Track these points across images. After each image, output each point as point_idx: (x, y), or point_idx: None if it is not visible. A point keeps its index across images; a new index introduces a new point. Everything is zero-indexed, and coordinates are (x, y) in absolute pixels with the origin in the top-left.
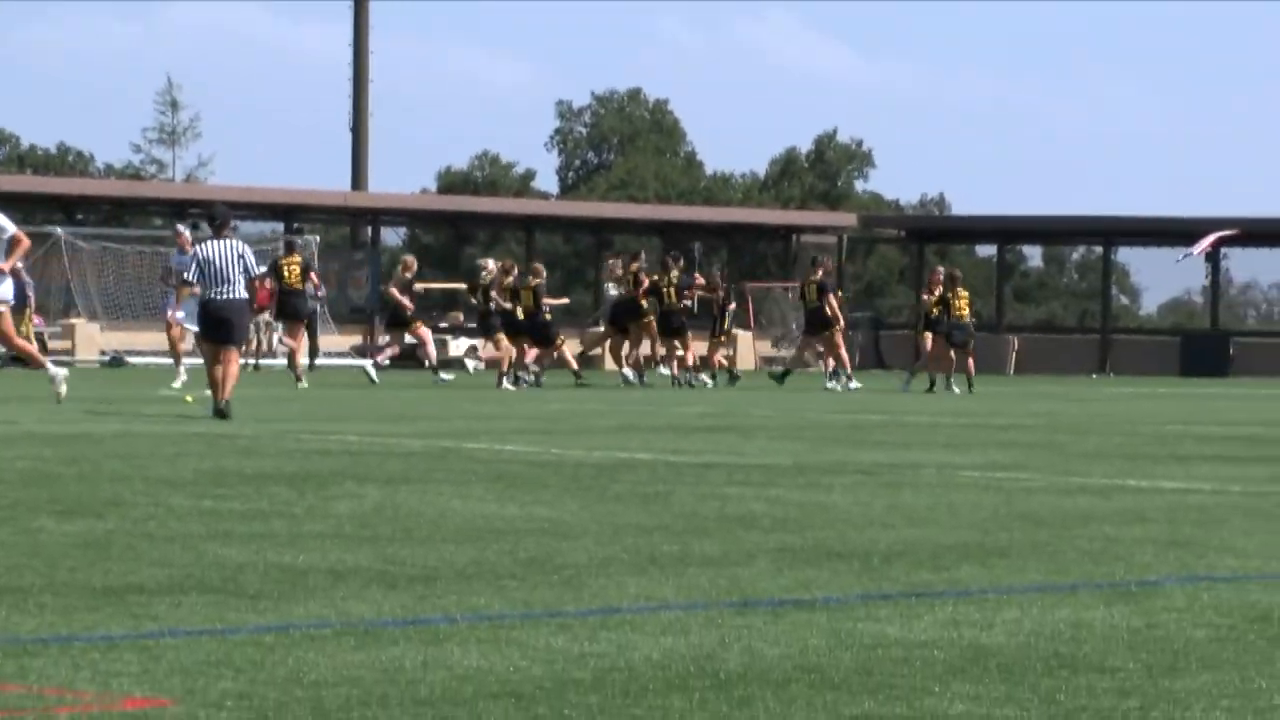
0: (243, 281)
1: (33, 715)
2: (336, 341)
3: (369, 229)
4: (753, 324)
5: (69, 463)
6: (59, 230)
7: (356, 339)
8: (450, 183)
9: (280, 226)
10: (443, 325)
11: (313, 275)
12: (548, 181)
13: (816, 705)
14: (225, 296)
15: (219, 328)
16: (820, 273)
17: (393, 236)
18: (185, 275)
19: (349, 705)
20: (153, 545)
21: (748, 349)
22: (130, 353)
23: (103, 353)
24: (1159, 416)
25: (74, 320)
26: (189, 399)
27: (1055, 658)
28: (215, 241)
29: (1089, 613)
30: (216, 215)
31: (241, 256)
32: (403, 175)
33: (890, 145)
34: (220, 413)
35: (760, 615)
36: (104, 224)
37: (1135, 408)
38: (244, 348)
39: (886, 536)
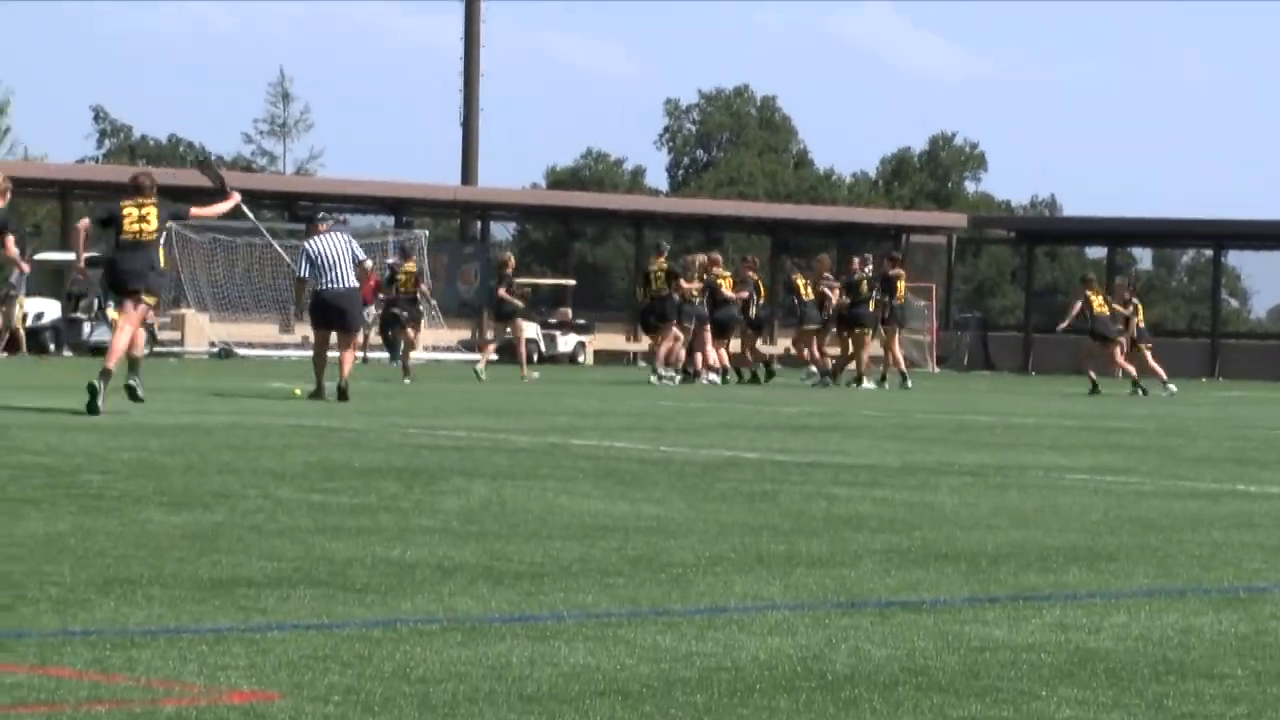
0: (353, 270)
1: (140, 707)
2: (444, 336)
3: (478, 223)
4: None
5: (177, 454)
6: (170, 222)
7: (464, 333)
8: (559, 179)
9: (390, 219)
10: (551, 321)
11: (424, 286)
12: (656, 178)
13: (923, 707)
14: (338, 286)
15: (334, 315)
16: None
17: (502, 231)
18: (298, 273)
19: (455, 701)
20: (261, 538)
21: None
22: (239, 344)
23: (212, 344)
24: (1269, 421)
25: (184, 311)
26: (297, 391)
27: (1163, 663)
28: (322, 236)
29: (1198, 618)
30: (317, 216)
31: (349, 246)
32: (512, 170)
33: (1002, 146)
34: (342, 392)
35: (867, 616)
36: None
37: (1245, 412)
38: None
39: (994, 538)
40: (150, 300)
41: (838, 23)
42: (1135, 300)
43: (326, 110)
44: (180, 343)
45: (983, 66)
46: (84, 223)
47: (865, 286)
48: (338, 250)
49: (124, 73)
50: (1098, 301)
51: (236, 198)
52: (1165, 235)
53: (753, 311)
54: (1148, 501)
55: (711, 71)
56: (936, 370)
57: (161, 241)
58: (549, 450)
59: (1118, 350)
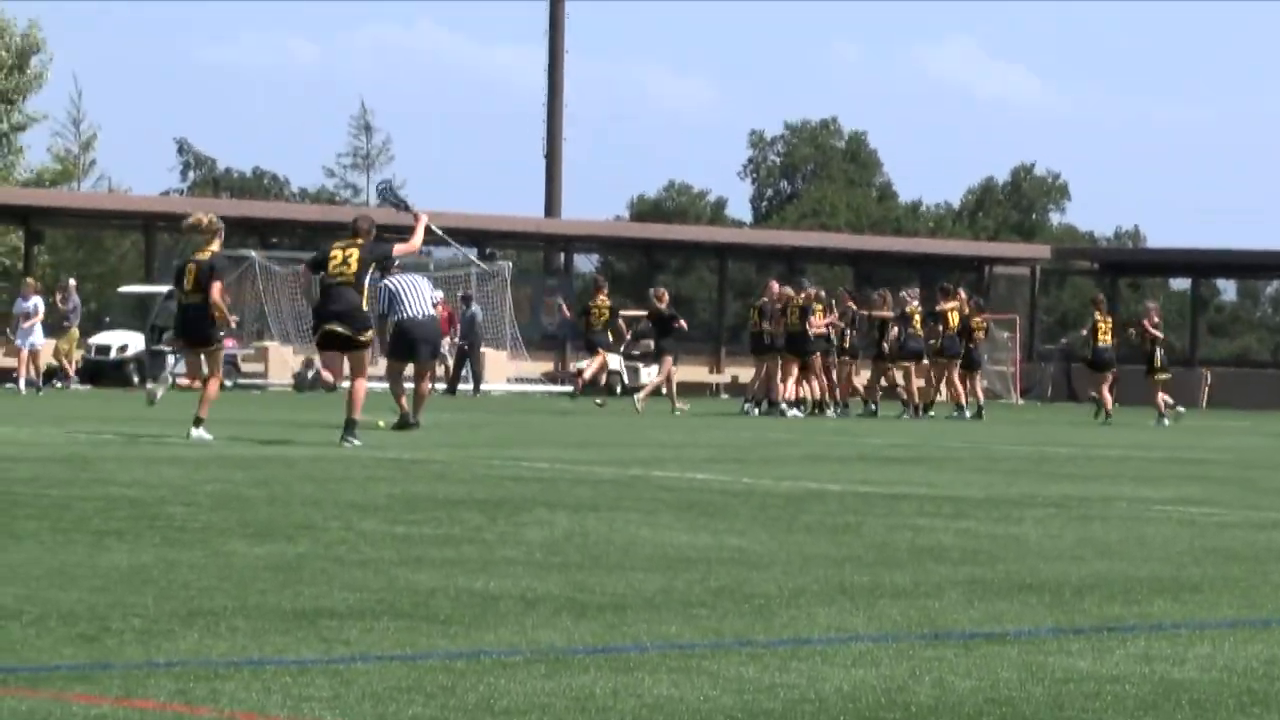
0: (430, 302)
1: None
2: (528, 368)
3: (562, 255)
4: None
5: (260, 485)
6: (253, 254)
7: (548, 365)
8: (642, 210)
9: (473, 252)
10: (635, 353)
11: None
12: (739, 209)
13: None
14: (418, 316)
15: (413, 347)
16: (802, 296)
17: (585, 263)
18: (380, 309)
19: None
20: (344, 569)
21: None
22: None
23: (295, 375)
24: None
25: (267, 343)
26: (381, 424)
27: (1248, 694)
28: (397, 274)
29: None
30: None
31: (426, 281)
32: (595, 202)
33: (1085, 177)
34: (404, 423)
35: (951, 648)
36: (298, 248)
37: None
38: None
39: (1077, 570)
40: (364, 339)
41: (919, 54)
42: (1154, 329)
43: (409, 143)
44: (264, 374)
45: (1065, 97)
46: (303, 268)
47: (918, 319)
48: (417, 282)
49: (208, 105)
50: (1103, 327)
51: (424, 218)
52: (1249, 266)
53: (848, 341)
54: (1231, 532)
55: (795, 103)
56: (1020, 402)
57: (364, 283)
58: (631, 482)
59: (1107, 379)
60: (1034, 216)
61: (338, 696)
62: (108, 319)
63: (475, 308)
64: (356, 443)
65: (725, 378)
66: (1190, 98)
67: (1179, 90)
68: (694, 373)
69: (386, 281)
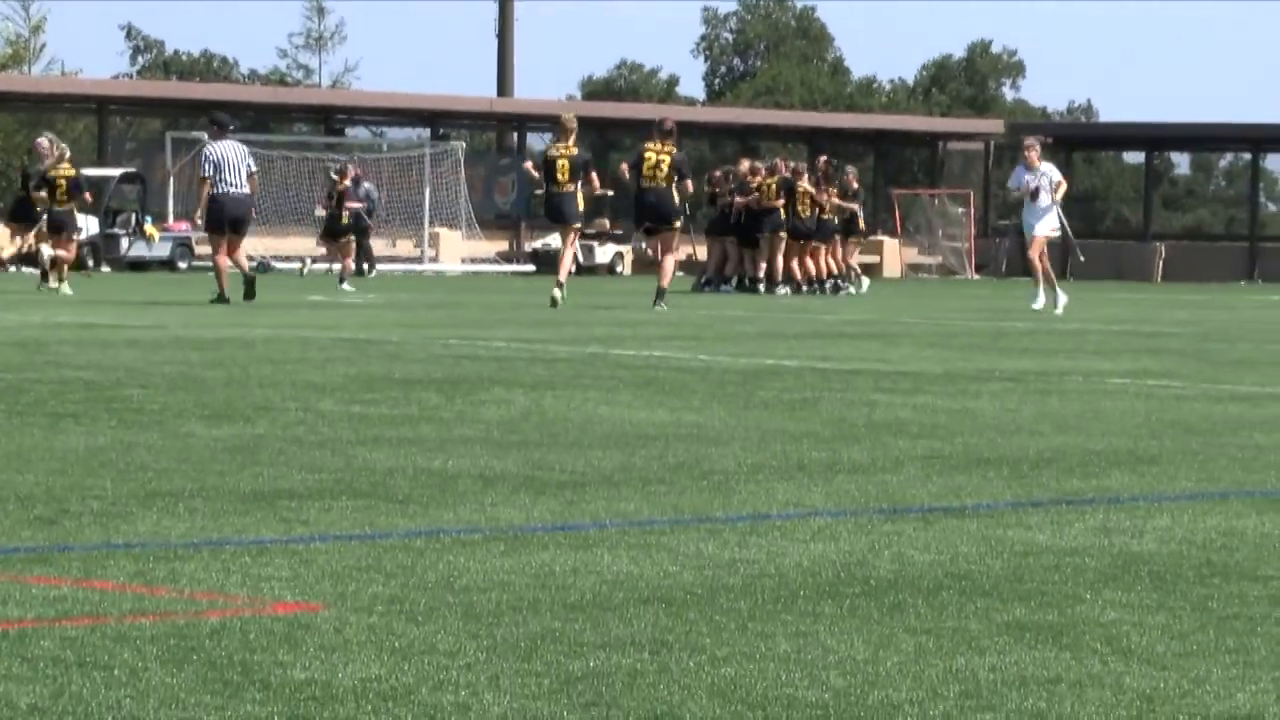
0: (245, 175)
1: (183, 619)
2: (482, 248)
3: (515, 135)
4: (899, 231)
5: (217, 367)
6: (205, 136)
7: (502, 245)
8: (594, 90)
9: (426, 133)
10: (589, 232)
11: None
12: (693, 88)
13: (967, 612)
14: (231, 190)
15: (222, 221)
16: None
17: (539, 143)
18: (202, 174)
19: (500, 610)
20: (302, 450)
21: (894, 256)
22: (276, 258)
23: (250, 258)
24: None
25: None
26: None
27: (1207, 565)
28: (222, 142)
29: (1241, 521)
30: (220, 120)
31: (246, 156)
32: (547, 82)
33: (1039, 52)
34: (249, 286)
35: (910, 522)
36: (250, 130)
37: None
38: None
39: (1036, 443)
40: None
41: None
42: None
43: (361, 24)
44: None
45: None
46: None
47: (772, 192)
48: (234, 154)
49: None
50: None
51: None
52: (1202, 139)
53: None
54: (1189, 405)
55: None
56: (975, 277)
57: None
58: (588, 360)
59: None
60: (988, 92)
61: (297, 576)
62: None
63: (367, 185)
64: (665, 307)
65: (680, 255)
66: None
67: None
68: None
69: (208, 149)
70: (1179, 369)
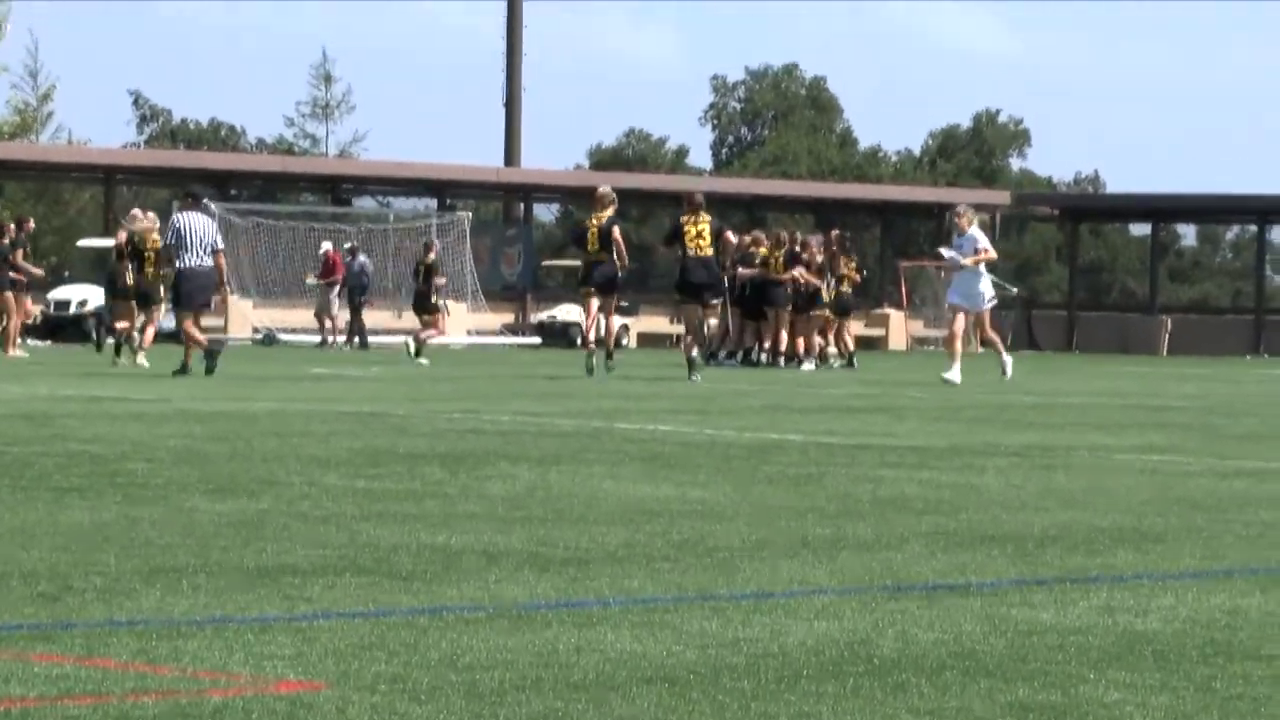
0: (209, 250)
1: (186, 698)
2: (488, 320)
3: (521, 205)
4: (906, 303)
5: (221, 441)
6: (212, 206)
7: (508, 317)
8: (602, 159)
9: (433, 202)
10: None
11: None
12: (701, 157)
13: (971, 692)
14: (194, 264)
15: (182, 295)
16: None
17: (545, 213)
18: (165, 240)
19: (503, 689)
20: (306, 525)
21: (900, 328)
22: (283, 330)
23: (255, 330)
24: None
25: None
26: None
27: (1211, 645)
28: (188, 213)
29: (1245, 599)
30: (194, 192)
31: (213, 225)
32: (555, 151)
33: (1046, 123)
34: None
35: (914, 600)
36: (257, 199)
37: None
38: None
39: (1040, 520)
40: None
41: (884, 2)
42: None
43: (369, 92)
44: (224, 329)
45: (1027, 43)
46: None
47: (779, 265)
48: (200, 228)
49: (166, 56)
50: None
51: None
52: (1209, 211)
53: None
54: (1194, 481)
55: (757, 49)
56: (981, 350)
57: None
58: (594, 434)
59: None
60: (994, 163)
61: (300, 654)
62: (67, 273)
63: (363, 258)
64: (699, 379)
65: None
66: (1152, 44)
67: (1141, 36)
68: (655, 323)
69: (174, 219)
70: (1185, 444)
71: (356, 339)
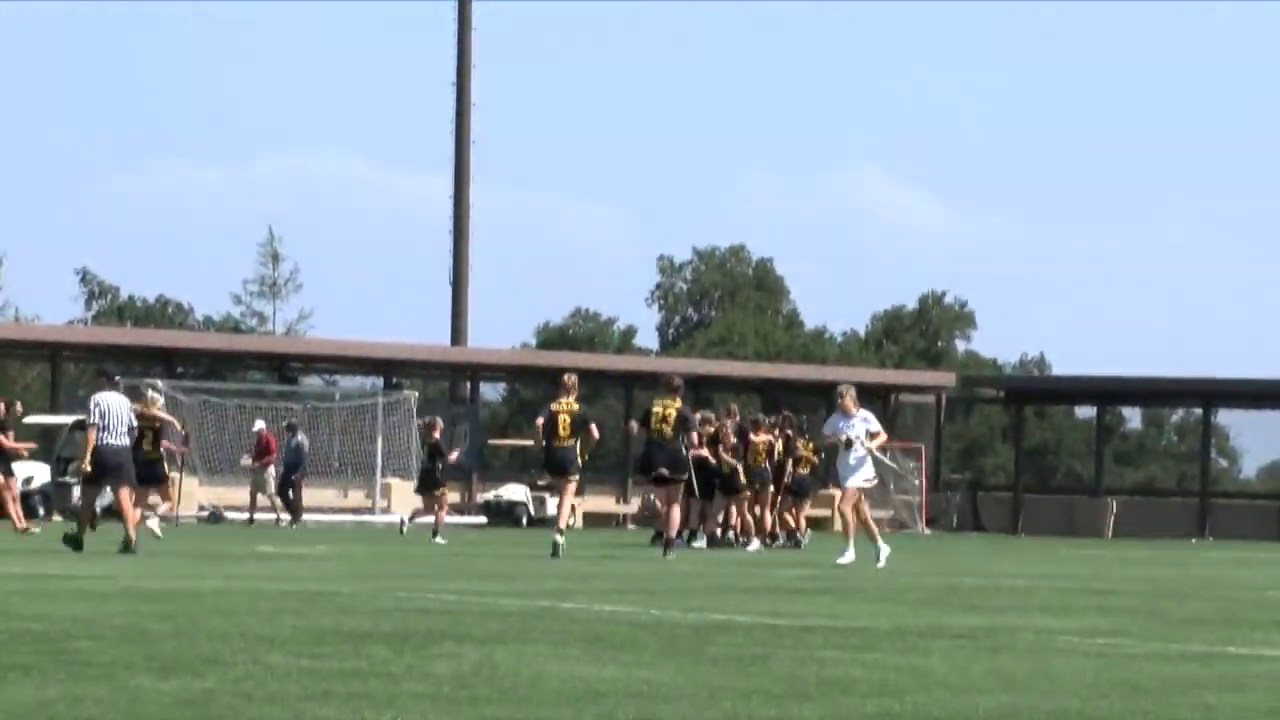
0: (126, 428)
1: None
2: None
3: (468, 384)
4: None
5: (166, 619)
6: (159, 383)
7: (453, 496)
8: (549, 338)
9: (379, 381)
10: (540, 483)
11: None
12: (648, 337)
13: None
14: (113, 442)
15: (103, 473)
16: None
17: (492, 392)
18: (89, 419)
19: None
20: (251, 705)
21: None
22: (229, 508)
23: (201, 508)
24: (1259, 582)
25: (172, 474)
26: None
27: None
28: (108, 392)
29: None
30: (107, 372)
31: (128, 405)
32: (502, 329)
33: (992, 305)
34: (77, 543)
35: None
36: (204, 377)
37: (1235, 573)
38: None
39: (985, 703)
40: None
41: (827, 181)
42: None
43: (316, 269)
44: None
45: (972, 225)
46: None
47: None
48: (118, 407)
49: (113, 233)
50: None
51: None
52: (1155, 394)
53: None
54: (1139, 664)
55: (704, 230)
56: (926, 531)
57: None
58: (539, 614)
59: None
60: (940, 344)
61: None
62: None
63: (301, 436)
64: (673, 556)
65: (632, 508)
66: (1097, 227)
67: (1086, 220)
68: (600, 503)
69: (96, 398)
70: (1129, 627)
71: (289, 516)
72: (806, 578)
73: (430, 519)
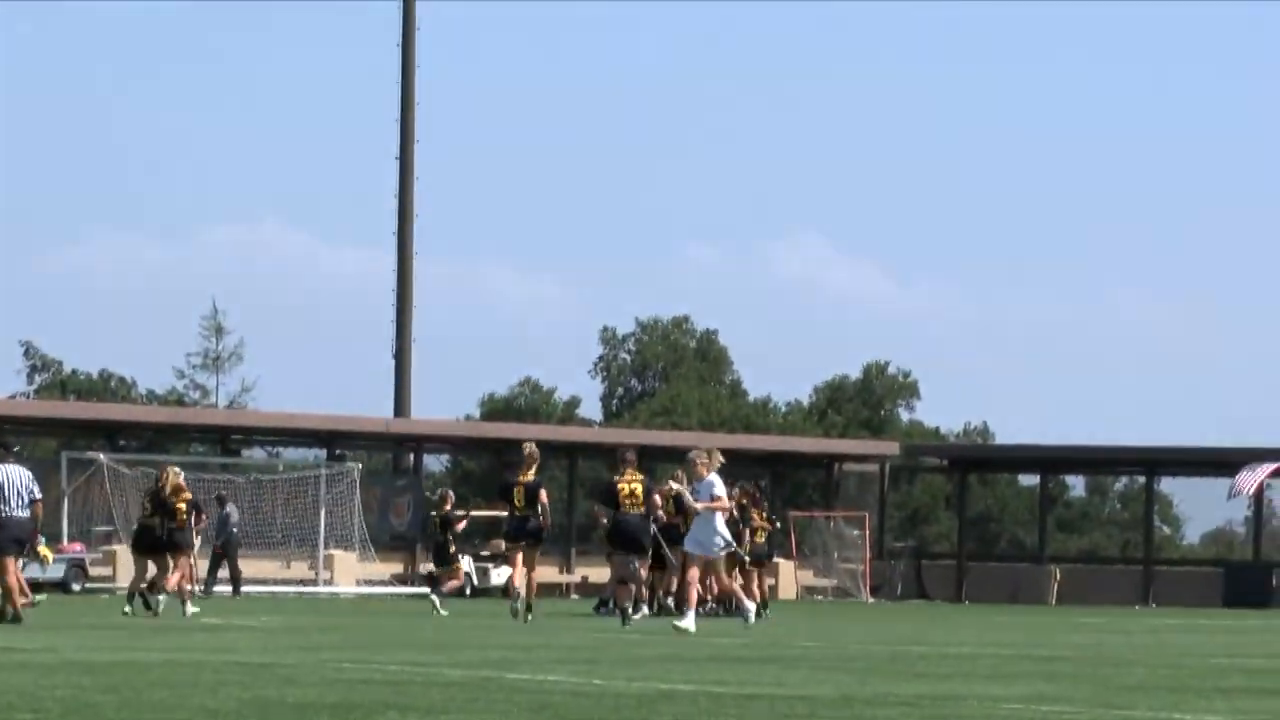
0: (26, 499)
1: None
2: (377, 569)
3: (411, 456)
4: (795, 553)
5: (110, 691)
6: (101, 457)
7: (397, 567)
8: (493, 409)
9: (323, 453)
10: (484, 554)
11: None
12: (591, 408)
13: None
14: (14, 514)
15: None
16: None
17: (435, 463)
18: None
19: None
20: None
21: (790, 578)
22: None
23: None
24: (1203, 649)
25: (115, 547)
26: None
27: None
28: (6, 465)
29: None
30: (4, 443)
31: (28, 476)
32: (446, 401)
33: (935, 374)
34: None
35: None
36: (146, 450)
37: (1179, 640)
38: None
39: None
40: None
41: (769, 251)
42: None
43: (259, 342)
44: (113, 579)
45: (915, 295)
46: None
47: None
48: (16, 478)
49: (54, 308)
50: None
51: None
52: (1097, 462)
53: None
54: None
55: (647, 301)
56: (871, 600)
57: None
58: (483, 684)
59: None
60: (883, 413)
61: None
62: None
63: (230, 508)
64: (637, 618)
65: (576, 577)
66: (1040, 296)
67: (1029, 288)
68: (545, 573)
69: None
70: (1073, 694)
71: (211, 587)
72: (751, 646)
73: (450, 584)
